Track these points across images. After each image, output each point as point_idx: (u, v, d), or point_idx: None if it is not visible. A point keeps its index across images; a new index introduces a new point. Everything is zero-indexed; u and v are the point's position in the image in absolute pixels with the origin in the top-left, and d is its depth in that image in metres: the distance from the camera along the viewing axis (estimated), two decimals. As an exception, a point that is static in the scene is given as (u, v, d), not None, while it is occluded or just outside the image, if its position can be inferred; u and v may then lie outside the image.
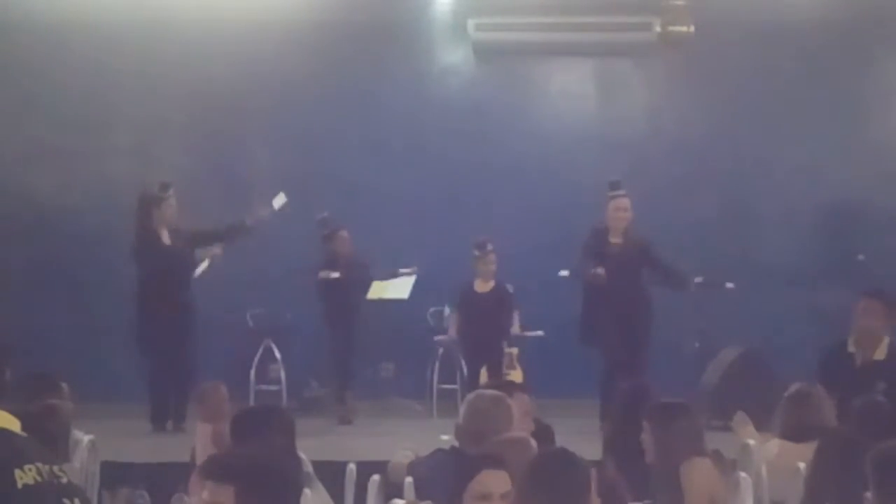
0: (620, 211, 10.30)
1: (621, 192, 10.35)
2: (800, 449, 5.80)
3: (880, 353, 7.37)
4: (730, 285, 10.76)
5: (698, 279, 10.24)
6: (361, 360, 11.18)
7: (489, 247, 10.90)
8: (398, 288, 11.38)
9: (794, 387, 6.50)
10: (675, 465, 5.19)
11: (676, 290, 10.32)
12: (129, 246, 10.37)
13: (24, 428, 2.79)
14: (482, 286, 11.03)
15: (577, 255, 10.46)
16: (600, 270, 10.09)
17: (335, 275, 10.88)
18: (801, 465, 5.50)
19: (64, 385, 6.76)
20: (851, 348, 7.42)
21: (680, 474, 5.17)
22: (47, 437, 5.17)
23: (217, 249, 10.54)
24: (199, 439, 6.74)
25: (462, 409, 5.32)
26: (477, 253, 10.93)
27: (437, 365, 11.55)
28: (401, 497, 5.07)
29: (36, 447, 2.70)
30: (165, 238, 10.41)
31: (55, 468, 2.66)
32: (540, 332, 11.01)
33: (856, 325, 7.46)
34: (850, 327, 7.51)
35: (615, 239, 10.33)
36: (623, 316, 10.05)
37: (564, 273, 10.64)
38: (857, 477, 4.51)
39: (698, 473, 5.19)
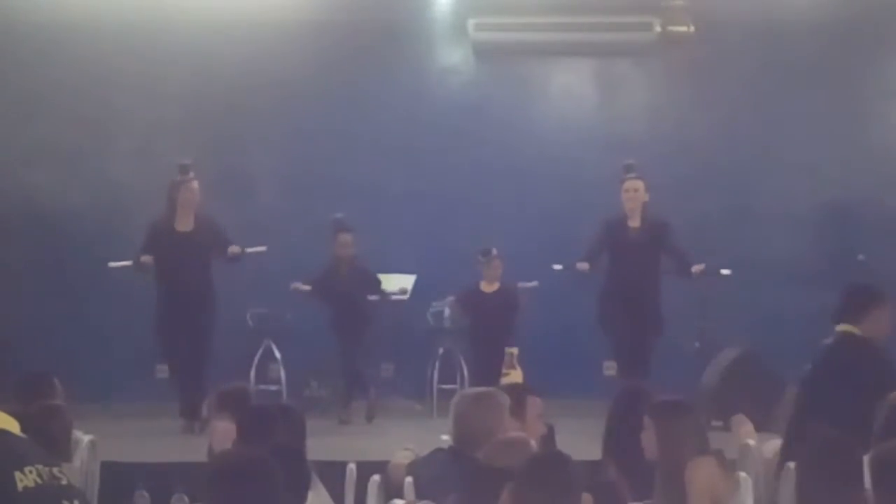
0: (630, 192, 10.38)
1: (633, 174, 10.42)
2: (800, 449, 5.80)
3: None
4: (725, 272, 10.79)
5: (699, 267, 10.40)
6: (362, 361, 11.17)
7: (494, 253, 10.94)
8: (399, 285, 11.41)
9: None
10: (679, 462, 5.17)
11: (681, 275, 10.41)
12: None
13: (26, 429, 2.79)
14: (488, 287, 11.07)
15: (586, 247, 10.52)
16: (583, 265, 10.32)
17: (306, 287, 10.90)
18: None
19: (56, 381, 6.75)
20: None
21: (685, 473, 5.15)
22: (49, 437, 5.18)
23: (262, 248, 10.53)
24: (219, 438, 6.62)
25: (450, 414, 5.31)
26: (482, 259, 10.97)
27: (437, 365, 11.56)
28: (401, 497, 5.07)
29: (35, 448, 2.70)
30: (183, 224, 10.35)
31: (55, 469, 2.66)
32: (535, 283, 11.00)
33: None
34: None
35: (634, 223, 10.40)
36: (635, 308, 10.14)
37: (558, 267, 10.68)
38: (849, 477, 4.51)
39: (702, 473, 5.17)
